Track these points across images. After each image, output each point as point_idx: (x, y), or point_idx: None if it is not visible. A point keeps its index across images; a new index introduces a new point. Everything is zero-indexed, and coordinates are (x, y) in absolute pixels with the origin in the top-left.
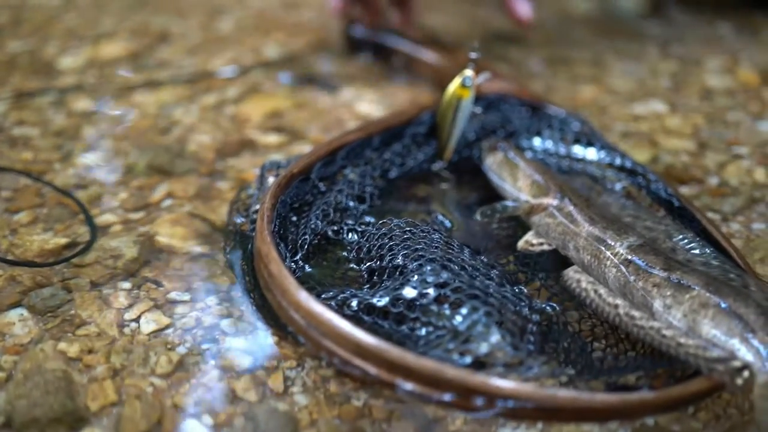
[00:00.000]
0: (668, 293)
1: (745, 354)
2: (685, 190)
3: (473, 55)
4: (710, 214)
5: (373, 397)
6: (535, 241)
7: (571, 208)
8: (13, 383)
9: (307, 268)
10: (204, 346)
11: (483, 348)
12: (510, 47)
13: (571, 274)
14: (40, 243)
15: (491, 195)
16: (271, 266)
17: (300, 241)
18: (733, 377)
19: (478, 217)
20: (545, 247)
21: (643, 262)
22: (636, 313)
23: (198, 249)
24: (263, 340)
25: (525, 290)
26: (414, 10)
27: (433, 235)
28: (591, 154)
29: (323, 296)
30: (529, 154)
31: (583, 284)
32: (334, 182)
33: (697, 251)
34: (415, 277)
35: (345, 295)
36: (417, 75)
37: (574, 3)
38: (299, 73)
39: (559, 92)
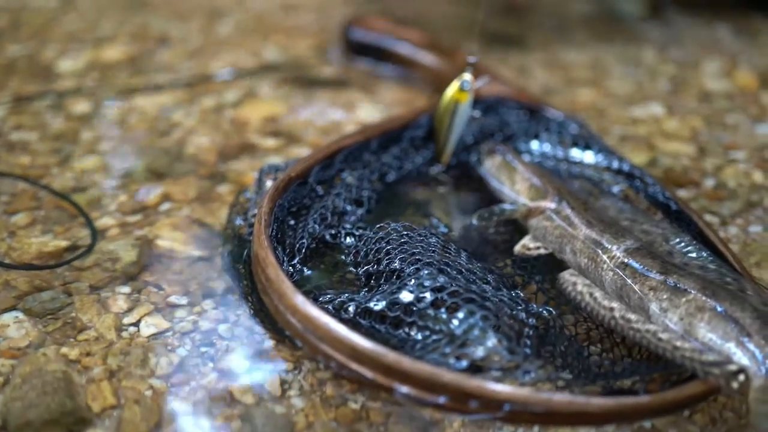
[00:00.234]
0: (664, 296)
1: (740, 357)
2: (682, 193)
3: (471, 59)
4: (708, 217)
5: (371, 400)
6: (532, 245)
7: (568, 211)
8: (10, 387)
9: (305, 272)
10: (202, 350)
11: (479, 352)
12: (509, 50)
13: (567, 276)
14: (38, 246)
15: (489, 198)
16: (268, 270)
17: (297, 245)
18: (728, 381)
19: (475, 220)
20: (542, 251)
21: (639, 265)
22: (632, 317)
23: (197, 252)
24: (261, 344)
25: (522, 294)
26: None
27: (430, 239)
28: (589, 157)
29: (320, 300)
30: (527, 157)
31: (579, 287)
32: (332, 186)
33: (693, 255)
34: (412, 281)
35: (342, 298)
36: (415, 78)
37: (573, 5)
38: (298, 75)
39: (557, 95)
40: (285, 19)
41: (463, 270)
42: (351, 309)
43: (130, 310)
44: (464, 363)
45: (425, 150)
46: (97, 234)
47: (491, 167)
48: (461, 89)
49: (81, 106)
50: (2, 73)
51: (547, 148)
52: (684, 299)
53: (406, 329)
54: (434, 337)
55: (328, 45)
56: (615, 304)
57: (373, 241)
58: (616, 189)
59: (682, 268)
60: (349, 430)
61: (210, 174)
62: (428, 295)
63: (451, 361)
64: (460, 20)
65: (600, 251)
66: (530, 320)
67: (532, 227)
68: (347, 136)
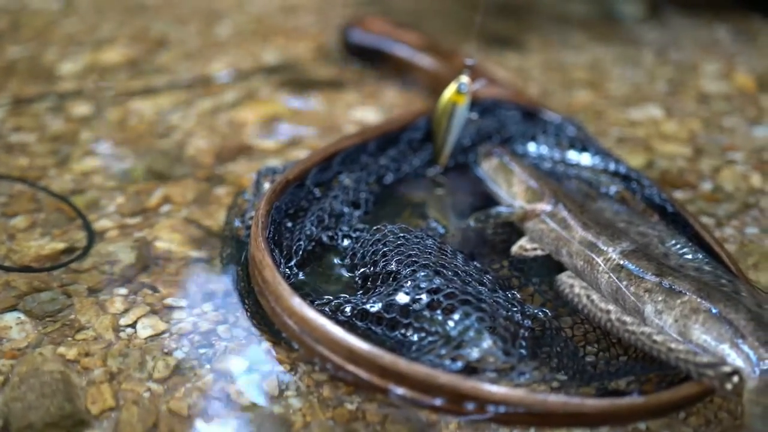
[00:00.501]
0: (660, 298)
1: (735, 359)
2: (679, 195)
3: (469, 61)
4: (704, 219)
5: (367, 401)
6: (528, 247)
7: (564, 213)
8: (9, 386)
9: (302, 274)
10: (200, 351)
11: (475, 353)
12: (507, 51)
13: (564, 279)
14: (37, 248)
15: (486, 200)
16: (265, 272)
17: (295, 247)
18: (723, 382)
19: (472, 222)
20: (539, 253)
21: (635, 267)
22: (627, 319)
23: (195, 254)
24: (258, 346)
25: (518, 296)
26: None
27: (426, 241)
28: (585, 159)
29: (317, 302)
30: (524, 160)
31: (576, 289)
32: (329, 188)
33: (689, 256)
34: (408, 282)
35: (338, 300)
36: (413, 80)
37: (571, 7)
38: (297, 77)
39: (555, 97)
40: (284, 21)
41: (460, 272)
42: (347, 311)
43: (127, 311)
44: (460, 364)
45: (423, 152)
46: (94, 236)
47: (488, 169)
48: (458, 91)
49: (80, 108)
50: (2, 75)
51: (544, 150)
52: (679, 301)
53: (403, 331)
54: (430, 338)
55: (327, 47)
56: (611, 307)
57: (370, 243)
58: (612, 189)
59: (678, 270)
60: (346, 430)
61: (208, 176)
62: (424, 297)
63: (447, 362)
64: (459, 22)
65: (596, 253)
66: (526, 322)
67: (528, 229)
68: (345, 138)
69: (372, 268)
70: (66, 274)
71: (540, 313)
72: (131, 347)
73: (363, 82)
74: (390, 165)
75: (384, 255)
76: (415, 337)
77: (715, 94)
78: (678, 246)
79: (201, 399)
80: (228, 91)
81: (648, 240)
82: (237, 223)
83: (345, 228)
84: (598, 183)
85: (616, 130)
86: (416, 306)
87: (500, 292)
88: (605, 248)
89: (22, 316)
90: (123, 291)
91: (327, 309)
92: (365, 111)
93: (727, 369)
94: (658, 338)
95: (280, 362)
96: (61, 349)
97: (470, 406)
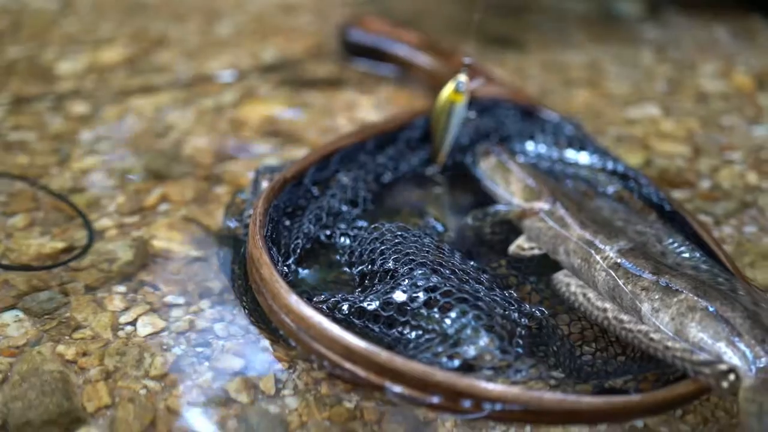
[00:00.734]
0: (656, 297)
1: (731, 357)
2: (677, 194)
3: (467, 60)
4: (703, 218)
5: (365, 399)
6: (526, 245)
7: (562, 212)
8: (8, 385)
9: (300, 272)
10: (198, 349)
11: (471, 351)
12: (505, 51)
13: (561, 277)
14: (37, 247)
15: (484, 199)
16: (262, 270)
17: (292, 245)
18: (719, 380)
19: (469, 220)
20: (536, 252)
21: (632, 265)
22: (624, 317)
23: (193, 253)
24: (255, 344)
25: (515, 294)
26: None
27: (424, 239)
28: (583, 158)
29: (314, 300)
30: (521, 158)
31: (573, 288)
32: (327, 186)
33: (686, 255)
34: (406, 280)
35: (336, 298)
36: (412, 79)
37: (571, 6)
38: (296, 76)
39: (554, 96)
40: (283, 20)
41: (457, 270)
42: (345, 308)
43: (126, 309)
44: (456, 362)
45: (421, 151)
46: (93, 234)
47: (486, 168)
48: (456, 90)
49: (80, 107)
50: (2, 74)
51: (542, 148)
52: (676, 299)
53: (400, 329)
54: (427, 336)
55: (326, 46)
56: (608, 305)
57: (368, 241)
58: (610, 190)
59: (675, 268)
60: (343, 429)
61: (207, 175)
62: (421, 295)
63: (444, 360)
64: (458, 21)
65: (593, 252)
66: (523, 320)
67: (526, 228)
68: (343, 137)
69: (369, 266)
70: (65, 272)
71: (537, 311)
72: (129, 345)
73: (362, 82)
74: (388, 164)
75: (381, 253)
76: (412, 335)
77: (713, 94)
78: (675, 244)
79: (198, 397)
80: (227, 90)
81: (645, 238)
82: (235, 221)
83: (343, 226)
84: (596, 182)
85: (615, 129)
86: (413, 304)
87: (497, 290)
88: (602, 246)
89: (21, 315)
90: (122, 289)
91: (324, 307)
92: (364, 110)
93: (723, 367)
94: (655, 336)
95: (278, 360)
96: (60, 348)
97: (467, 403)
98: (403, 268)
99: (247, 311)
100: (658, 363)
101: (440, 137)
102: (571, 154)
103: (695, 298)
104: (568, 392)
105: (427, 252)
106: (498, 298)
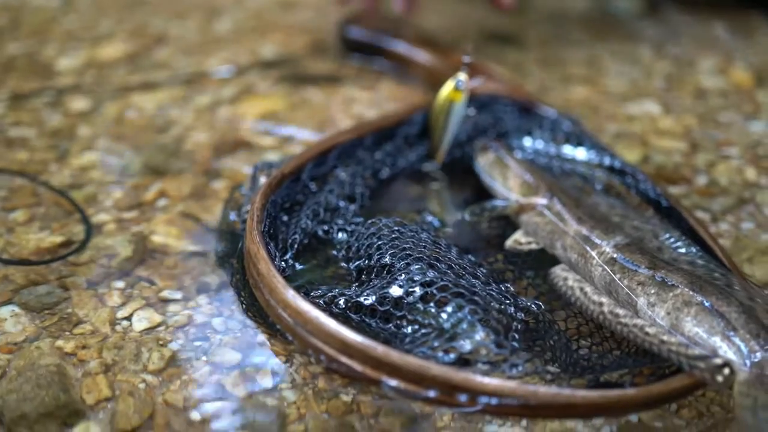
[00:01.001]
0: (652, 291)
1: (726, 351)
2: (675, 190)
3: (466, 58)
4: (700, 214)
5: (362, 393)
6: (523, 240)
7: (559, 207)
8: (6, 379)
9: (297, 267)
10: (196, 343)
11: (467, 345)
12: (505, 48)
13: (558, 272)
14: (36, 241)
15: (482, 194)
16: (259, 265)
17: (290, 241)
18: (713, 374)
19: (467, 215)
20: (533, 246)
21: (628, 260)
22: (620, 311)
23: (191, 248)
24: (253, 338)
25: (511, 288)
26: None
27: (421, 234)
28: (581, 154)
29: (311, 295)
30: (519, 154)
31: (570, 282)
32: (325, 182)
33: (683, 250)
34: (402, 275)
35: (333, 293)
36: (411, 76)
37: (570, 3)
38: (295, 72)
39: (552, 92)
40: (283, 16)
41: (453, 265)
42: (341, 303)
43: (124, 304)
44: (452, 356)
45: (419, 147)
46: (92, 230)
47: (484, 164)
48: (456, 89)
49: (79, 103)
50: (1, 71)
51: (540, 144)
52: (671, 294)
53: (396, 323)
54: (423, 330)
55: (325, 42)
56: (604, 299)
57: (365, 236)
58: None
59: (671, 263)
60: (341, 423)
61: (206, 171)
62: (418, 290)
63: (440, 354)
64: (458, 18)
65: (589, 247)
66: (519, 314)
67: (523, 223)
68: (341, 133)
69: (366, 261)
70: (64, 267)
71: (533, 305)
72: (127, 339)
73: (361, 78)
74: (386, 159)
75: (378, 248)
76: (409, 330)
77: (711, 90)
78: (672, 240)
79: (197, 391)
80: (226, 86)
81: (642, 234)
82: (233, 216)
83: (340, 221)
84: (592, 177)
85: (613, 126)
86: (410, 299)
87: (494, 284)
88: (599, 241)
89: (18, 309)
90: (120, 284)
91: (321, 302)
92: (363, 106)
93: (718, 361)
94: (651, 330)
95: (276, 354)
96: (59, 342)
97: (463, 397)
98: (399, 263)
99: (244, 306)
100: (653, 357)
101: (439, 136)
102: (568, 149)
103: (691, 292)
104: (563, 386)
105: (424, 247)
106: (494, 293)
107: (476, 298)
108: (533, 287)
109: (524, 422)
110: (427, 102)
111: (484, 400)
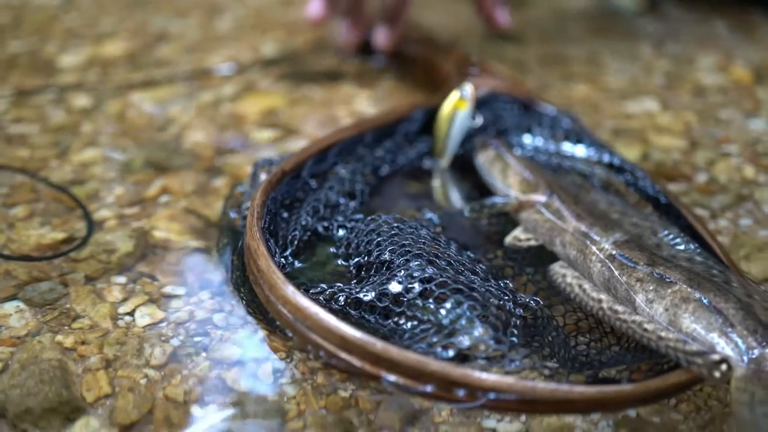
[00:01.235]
0: (651, 288)
1: (723, 347)
2: (674, 187)
3: (473, 70)
4: (699, 211)
5: (360, 388)
6: (522, 237)
7: (558, 204)
8: (8, 374)
9: (297, 264)
10: (196, 339)
11: (466, 341)
12: (505, 45)
13: (557, 268)
14: (37, 237)
15: (482, 191)
16: (259, 261)
17: (290, 237)
18: (711, 370)
19: (466, 212)
20: (533, 243)
21: (627, 257)
22: (619, 308)
23: (193, 244)
24: (253, 334)
25: (510, 285)
26: (402, 28)
27: (420, 231)
28: (580, 151)
29: (311, 291)
30: (519, 151)
31: (569, 279)
32: (325, 179)
33: (681, 247)
34: (402, 272)
35: (332, 289)
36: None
37: (570, 1)
38: (296, 69)
39: (553, 90)
40: (284, 14)
41: (452, 261)
42: (341, 299)
43: (125, 300)
44: (451, 352)
45: (419, 144)
46: (93, 225)
47: (484, 161)
48: (461, 98)
49: (81, 101)
50: (4, 68)
51: (539, 141)
52: (670, 290)
53: (395, 319)
54: (422, 326)
55: (326, 40)
56: (603, 296)
57: (364, 233)
58: (597, 180)
59: (669, 260)
60: (339, 417)
61: (207, 167)
62: (417, 286)
63: (439, 350)
64: (458, 15)
65: (588, 243)
66: (518, 310)
67: (523, 220)
68: (341, 130)
69: (366, 258)
70: (65, 263)
71: (532, 302)
72: (129, 335)
73: (361, 75)
74: (386, 156)
75: (378, 245)
76: (408, 326)
77: (711, 87)
78: (670, 237)
79: (197, 386)
80: (227, 83)
81: (641, 231)
82: (233, 213)
83: (340, 218)
84: (591, 174)
85: (612, 123)
86: (409, 295)
87: (493, 281)
88: (598, 238)
89: (22, 305)
90: (121, 280)
91: (321, 298)
92: (363, 103)
93: (715, 357)
94: (649, 327)
95: (275, 350)
96: (59, 337)
97: (461, 392)
98: (399, 259)
99: (245, 302)
100: (651, 353)
101: (443, 143)
102: (567, 147)
103: (689, 289)
104: (561, 382)
105: (424, 243)
106: (493, 289)
107: (475, 294)
108: (532, 284)
109: (523, 417)
110: (426, 100)
111: (482, 395)
